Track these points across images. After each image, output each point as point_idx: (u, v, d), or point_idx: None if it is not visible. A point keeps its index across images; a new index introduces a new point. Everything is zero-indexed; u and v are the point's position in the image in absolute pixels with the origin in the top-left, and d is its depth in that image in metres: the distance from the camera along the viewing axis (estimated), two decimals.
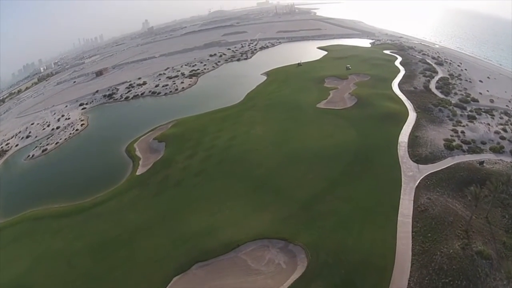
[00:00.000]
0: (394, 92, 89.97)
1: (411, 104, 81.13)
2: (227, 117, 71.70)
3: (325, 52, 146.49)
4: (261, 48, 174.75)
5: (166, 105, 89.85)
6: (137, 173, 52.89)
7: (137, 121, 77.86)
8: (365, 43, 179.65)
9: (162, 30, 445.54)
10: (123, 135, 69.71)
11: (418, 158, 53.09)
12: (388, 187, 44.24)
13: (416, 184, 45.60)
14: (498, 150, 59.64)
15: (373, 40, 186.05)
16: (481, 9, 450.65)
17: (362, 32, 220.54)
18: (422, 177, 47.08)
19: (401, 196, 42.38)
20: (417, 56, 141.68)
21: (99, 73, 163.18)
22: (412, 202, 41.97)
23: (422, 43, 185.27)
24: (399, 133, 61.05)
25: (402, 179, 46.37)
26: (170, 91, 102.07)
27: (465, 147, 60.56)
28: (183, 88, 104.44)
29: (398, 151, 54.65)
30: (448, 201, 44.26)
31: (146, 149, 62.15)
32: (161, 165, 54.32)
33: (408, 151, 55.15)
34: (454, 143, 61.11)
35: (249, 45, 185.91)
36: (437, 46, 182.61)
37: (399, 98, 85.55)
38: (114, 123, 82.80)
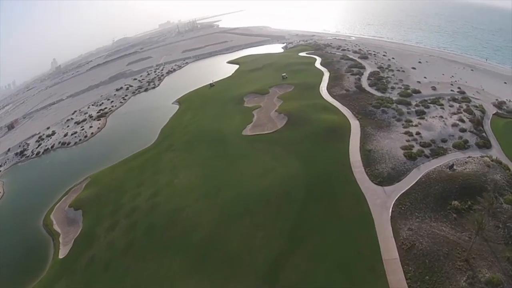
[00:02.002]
0: (326, 100, 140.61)
1: (349, 111, 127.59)
2: (144, 165, 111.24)
3: (237, 66, 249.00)
4: (168, 73, 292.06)
5: (77, 158, 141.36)
6: (60, 256, 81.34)
7: (51, 183, 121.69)
8: (277, 48, 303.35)
9: (69, 68, 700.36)
10: (39, 203, 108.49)
11: (381, 178, 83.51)
12: (359, 226, 68.10)
13: (390, 214, 70.95)
14: (463, 146, 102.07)
15: (285, 44, 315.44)
16: None
17: (271, 37, 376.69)
18: (393, 203, 74.19)
19: (378, 236, 65.14)
20: (337, 53, 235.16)
21: (10, 126, 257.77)
22: (393, 239, 64.55)
23: (337, 37, 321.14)
24: (348, 151, 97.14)
25: (371, 211, 72.06)
26: (80, 139, 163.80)
27: (427, 151, 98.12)
28: (92, 133, 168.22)
29: (355, 174, 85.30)
30: (433, 227, 67.51)
31: (63, 220, 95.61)
32: (83, 242, 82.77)
33: (367, 172, 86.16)
34: (414, 150, 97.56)
35: (155, 71, 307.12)
36: (353, 38, 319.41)
37: (334, 106, 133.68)
38: (29, 187, 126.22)
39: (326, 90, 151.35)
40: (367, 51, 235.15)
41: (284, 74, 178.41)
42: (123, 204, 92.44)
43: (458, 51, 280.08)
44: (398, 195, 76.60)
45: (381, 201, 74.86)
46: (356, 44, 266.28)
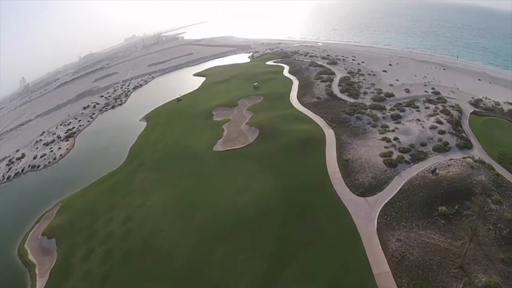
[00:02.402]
0: (297, 110, 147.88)
1: (322, 119, 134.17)
2: (115, 187, 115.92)
3: (203, 78, 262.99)
4: (135, 88, 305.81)
5: (48, 182, 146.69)
6: None
7: (23, 209, 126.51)
8: (243, 58, 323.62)
9: (37, 86, 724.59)
10: (12, 231, 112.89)
11: (362, 189, 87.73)
12: (345, 241, 71.17)
13: (376, 226, 74.58)
14: (443, 148, 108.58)
15: (251, 53, 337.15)
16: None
17: (237, 47, 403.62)
18: (377, 214, 78.12)
19: (366, 250, 68.21)
20: (305, 60, 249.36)
21: None
22: (382, 252, 67.76)
23: (304, 44, 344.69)
24: (325, 162, 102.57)
25: (356, 224, 75.60)
26: (49, 162, 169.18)
27: (407, 157, 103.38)
28: (61, 155, 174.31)
29: (335, 186, 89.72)
30: (422, 236, 71.19)
31: (38, 250, 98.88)
32: (58, 274, 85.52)
33: (347, 184, 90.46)
34: (393, 157, 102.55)
35: (121, 87, 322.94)
36: (320, 44, 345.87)
37: (306, 115, 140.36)
38: (1, 214, 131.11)
39: (296, 99, 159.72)
40: (335, 56, 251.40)
41: (256, 83, 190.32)
42: (97, 231, 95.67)
43: (428, 51, 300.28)
44: (382, 205, 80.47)
45: (364, 213, 78.45)
46: (324, 50, 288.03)
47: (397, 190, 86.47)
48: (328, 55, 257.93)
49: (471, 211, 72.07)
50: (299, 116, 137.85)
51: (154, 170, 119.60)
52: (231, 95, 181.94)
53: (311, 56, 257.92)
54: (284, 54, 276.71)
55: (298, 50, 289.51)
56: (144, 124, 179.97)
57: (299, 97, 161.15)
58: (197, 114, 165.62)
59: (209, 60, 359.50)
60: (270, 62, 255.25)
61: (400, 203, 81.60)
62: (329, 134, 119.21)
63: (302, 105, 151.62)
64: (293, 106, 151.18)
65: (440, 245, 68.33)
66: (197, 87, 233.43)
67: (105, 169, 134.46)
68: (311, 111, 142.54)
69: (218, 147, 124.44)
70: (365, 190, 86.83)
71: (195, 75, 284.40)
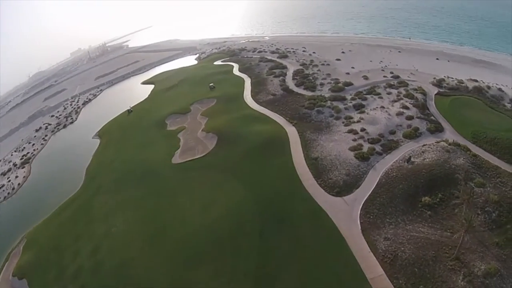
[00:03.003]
0: (253, 109, 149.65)
1: (281, 117, 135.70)
2: (76, 215, 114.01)
3: (152, 86, 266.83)
4: (84, 103, 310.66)
5: (10, 215, 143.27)
6: None
7: None
8: (190, 60, 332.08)
9: None
10: None
11: (338, 188, 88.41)
12: (330, 247, 72.04)
13: (360, 227, 75.48)
14: (414, 134, 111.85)
15: (197, 54, 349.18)
16: None
17: (183, 50, 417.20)
18: (359, 213, 79.15)
19: (355, 254, 68.90)
20: (254, 56, 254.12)
21: None
22: (372, 254, 68.54)
23: (250, 40, 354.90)
24: (293, 163, 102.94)
25: (338, 227, 76.19)
26: (8, 193, 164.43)
27: (378, 147, 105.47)
28: (19, 184, 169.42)
29: (308, 189, 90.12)
30: (410, 230, 72.69)
31: None
32: None
33: (320, 184, 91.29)
34: (364, 149, 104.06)
35: (71, 104, 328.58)
36: (267, 38, 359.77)
37: (264, 114, 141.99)
38: None
39: (251, 98, 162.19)
40: (285, 49, 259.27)
41: (211, 84, 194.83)
42: (66, 266, 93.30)
43: (379, 35, 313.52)
44: (362, 203, 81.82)
45: (345, 214, 79.30)
46: (272, 44, 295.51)
47: (374, 185, 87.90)
48: (277, 48, 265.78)
49: (460, 199, 74.37)
50: (257, 116, 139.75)
51: (114, 192, 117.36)
52: (182, 101, 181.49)
53: (259, 52, 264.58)
54: (232, 52, 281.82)
55: (246, 47, 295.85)
56: (98, 141, 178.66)
57: (254, 96, 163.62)
58: (150, 125, 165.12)
59: (156, 66, 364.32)
60: (218, 62, 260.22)
61: (380, 198, 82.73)
62: (292, 132, 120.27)
63: (258, 104, 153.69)
64: (249, 106, 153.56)
65: (431, 238, 70.06)
66: (147, 96, 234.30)
67: (64, 195, 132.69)
68: (268, 109, 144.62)
69: (177, 158, 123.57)
70: (341, 189, 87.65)
71: (144, 83, 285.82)
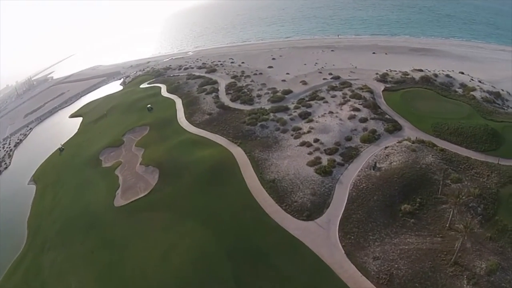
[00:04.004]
0: (191, 133, 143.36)
1: (223, 138, 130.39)
2: (27, 279, 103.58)
3: (80, 118, 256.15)
4: (16, 145, 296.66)
5: None
6: None
7: None
8: (116, 86, 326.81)
9: None
10: None
11: (307, 212, 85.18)
12: (318, 279, 68.92)
13: (343, 251, 73.37)
14: (372, 137, 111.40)
15: (122, 79, 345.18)
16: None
17: (107, 76, 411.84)
18: (338, 236, 77.22)
19: (346, 281, 66.74)
20: (181, 74, 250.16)
21: None
22: (365, 278, 67.02)
23: (174, 57, 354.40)
24: (248, 190, 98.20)
25: (319, 255, 73.40)
26: None
27: (337, 158, 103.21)
28: None
29: (272, 217, 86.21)
30: (398, 244, 71.14)
31: None
32: None
33: (285, 210, 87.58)
34: (323, 162, 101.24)
35: (3, 147, 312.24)
36: (191, 53, 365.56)
37: (204, 137, 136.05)
38: None
39: (186, 121, 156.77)
40: (212, 63, 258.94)
41: (149, 105, 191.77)
42: None
43: (306, 36, 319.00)
44: (338, 224, 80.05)
45: (322, 239, 76.76)
46: (197, 59, 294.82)
47: (345, 201, 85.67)
48: (203, 63, 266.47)
49: (449, 204, 74.52)
50: (197, 140, 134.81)
51: (60, 247, 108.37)
52: (114, 132, 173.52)
53: (186, 69, 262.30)
54: (157, 72, 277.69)
55: (170, 65, 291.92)
56: (34, 187, 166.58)
57: (188, 118, 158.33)
58: (85, 163, 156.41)
59: (81, 96, 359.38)
60: (144, 85, 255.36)
61: (356, 215, 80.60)
62: (238, 154, 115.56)
63: (194, 126, 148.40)
64: (186, 130, 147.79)
65: (422, 248, 69.65)
66: (77, 130, 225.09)
67: (11, 254, 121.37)
68: (207, 130, 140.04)
69: (119, 200, 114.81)
70: (310, 211, 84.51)
71: (71, 116, 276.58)
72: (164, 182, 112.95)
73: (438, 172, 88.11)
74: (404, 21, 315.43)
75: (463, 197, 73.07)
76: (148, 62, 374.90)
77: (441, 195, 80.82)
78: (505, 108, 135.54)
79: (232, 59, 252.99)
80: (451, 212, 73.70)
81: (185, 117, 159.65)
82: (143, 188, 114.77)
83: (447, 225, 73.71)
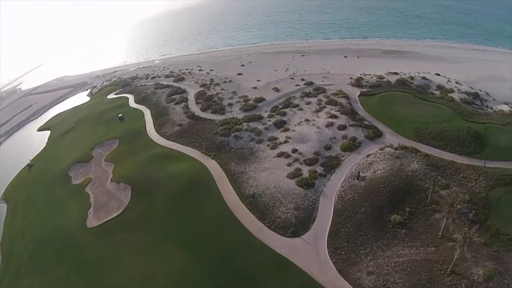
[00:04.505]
0: (162, 146, 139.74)
1: (196, 150, 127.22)
2: None
3: (48, 132, 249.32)
4: None
5: None
6: None
7: None
8: (83, 97, 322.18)
9: None
10: None
11: (292, 228, 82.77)
12: None
13: (334, 268, 72.17)
14: (353, 145, 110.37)
15: (89, 90, 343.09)
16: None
17: (74, 87, 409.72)
18: (327, 252, 75.74)
19: None
20: (148, 83, 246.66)
21: None
22: None
23: (140, 66, 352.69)
24: (227, 206, 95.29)
25: (310, 273, 71.83)
26: None
27: (318, 168, 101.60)
28: None
29: (256, 234, 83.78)
30: (391, 257, 70.55)
31: None
32: None
33: (269, 226, 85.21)
34: (304, 174, 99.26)
35: None
36: (157, 62, 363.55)
37: (175, 150, 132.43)
38: None
39: (156, 133, 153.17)
40: (179, 71, 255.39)
41: (120, 115, 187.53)
42: None
43: (275, 41, 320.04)
44: (326, 240, 78.85)
45: (311, 256, 75.29)
46: (164, 67, 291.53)
47: (331, 214, 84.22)
48: (171, 71, 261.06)
49: (443, 213, 74.17)
50: (168, 153, 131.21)
51: (35, 272, 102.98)
52: (82, 146, 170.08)
53: (153, 78, 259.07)
54: (124, 82, 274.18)
55: (137, 74, 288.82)
56: (5, 206, 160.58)
57: (158, 129, 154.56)
58: (54, 180, 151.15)
59: (49, 108, 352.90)
60: (112, 95, 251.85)
61: (345, 229, 79.40)
62: (213, 167, 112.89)
63: (165, 138, 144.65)
64: (156, 143, 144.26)
65: (417, 259, 69.78)
66: (45, 145, 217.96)
67: None
68: (179, 143, 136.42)
69: (92, 220, 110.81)
70: (296, 227, 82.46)
71: (39, 130, 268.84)
72: (137, 200, 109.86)
73: (426, 179, 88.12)
74: (374, 23, 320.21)
75: (457, 205, 72.81)
76: (115, 71, 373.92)
77: (431, 204, 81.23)
78: (484, 108, 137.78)
79: (200, 67, 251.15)
80: (444, 220, 73.62)
81: (155, 129, 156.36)
82: (116, 207, 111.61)
83: (439, 233, 74.30)
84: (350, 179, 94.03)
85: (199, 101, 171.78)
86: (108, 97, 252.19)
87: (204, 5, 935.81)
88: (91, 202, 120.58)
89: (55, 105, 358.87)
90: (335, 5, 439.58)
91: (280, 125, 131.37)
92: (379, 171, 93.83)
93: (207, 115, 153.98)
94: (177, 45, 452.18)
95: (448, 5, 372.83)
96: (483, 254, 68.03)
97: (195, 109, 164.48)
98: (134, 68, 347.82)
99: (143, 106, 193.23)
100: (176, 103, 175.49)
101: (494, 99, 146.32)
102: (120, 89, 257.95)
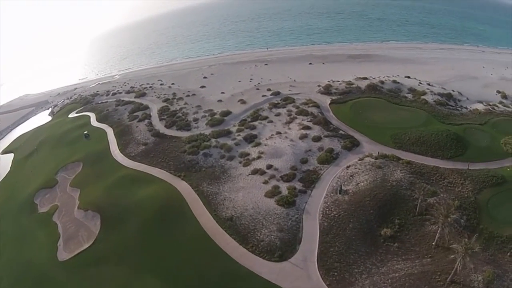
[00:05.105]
0: (129, 168, 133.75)
1: (164, 171, 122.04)
2: None
3: (12, 155, 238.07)
4: None
5: None
6: None
7: None
8: (45, 117, 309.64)
9: None
10: None
11: (278, 252, 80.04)
12: None
13: None
14: (330, 157, 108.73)
15: (50, 109, 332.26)
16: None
17: (36, 106, 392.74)
18: (319, 274, 73.79)
19: None
20: (109, 100, 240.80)
21: None
22: None
23: (101, 82, 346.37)
24: (204, 231, 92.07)
25: None
26: None
27: (297, 184, 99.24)
28: None
29: (240, 261, 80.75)
30: (387, 273, 69.60)
31: None
32: None
33: (253, 251, 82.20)
34: (283, 191, 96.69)
35: None
36: (117, 76, 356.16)
37: (143, 172, 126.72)
38: None
39: (120, 153, 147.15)
40: (140, 86, 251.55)
41: (86, 132, 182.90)
42: None
43: (235, 51, 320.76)
44: (316, 261, 76.62)
45: (303, 280, 73.34)
46: (125, 82, 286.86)
47: (318, 233, 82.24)
48: (131, 87, 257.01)
49: (438, 224, 73.73)
50: (136, 176, 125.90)
51: None
52: (46, 170, 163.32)
53: (114, 94, 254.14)
54: (85, 99, 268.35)
55: (98, 91, 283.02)
56: None
57: (123, 150, 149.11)
58: (20, 208, 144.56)
59: (12, 129, 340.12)
60: (73, 114, 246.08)
61: (334, 248, 77.57)
62: (184, 189, 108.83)
63: (130, 159, 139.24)
64: (122, 165, 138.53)
65: (414, 272, 69.52)
66: (9, 169, 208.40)
67: None
68: (145, 164, 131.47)
69: (63, 253, 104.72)
70: (282, 250, 79.76)
71: (3, 152, 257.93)
72: (107, 230, 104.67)
73: (412, 188, 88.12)
74: (335, 28, 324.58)
75: (452, 215, 73.05)
76: (75, 88, 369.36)
77: (421, 213, 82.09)
78: (459, 108, 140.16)
79: (161, 81, 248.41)
80: (439, 230, 73.68)
81: (119, 149, 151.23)
82: (86, 237, 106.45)
83: (433, 243, 74.57)
84: (332, 194, 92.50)
85: (163, 117, 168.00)
86: (70, 116, 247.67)
87: (162, 18, 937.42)
88: (59, 232, 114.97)
89: (18, 125, 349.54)
90: (293, 11, 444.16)
91: (251, 139, 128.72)
92: (362, 183, 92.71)
93: (173, 132, 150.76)
94: (136, 59, 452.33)
95: (409, 6, 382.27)
96: (479, 259, 68.59)
97: (159, 126, 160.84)
98: (94, 85, 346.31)
99: (105, 125, 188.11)
100: (139, 120, 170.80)
101: (467, 99, 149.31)
102: (81, 107, 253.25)
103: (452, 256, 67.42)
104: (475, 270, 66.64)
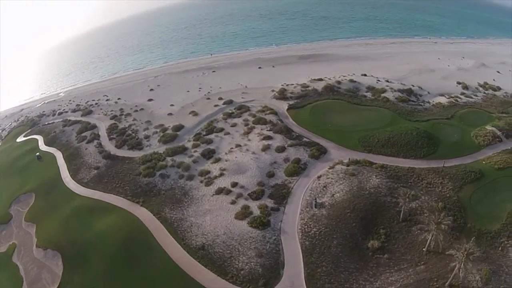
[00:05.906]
0: (83, 196, 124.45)
1: (121, 198, 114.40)
2: None
3: None
4: None
5: None
6: None
7: None
8: None
9: None
10: None
11: (262, 279, 76.12)
12: None
13: None
14: (298, 168, 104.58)
15: None
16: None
17: None
18: None
19: None
20: (56, 120, 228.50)
21: None
22: None
23: (46, 101, 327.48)
24: (174, 263, 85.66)
25: None
26: None
27: (268, 202, 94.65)
28: None
29: None
30: (382, 287, 67.74)
31: None
32: None
33: (234, 282, 76.96)
34: (254, 211, 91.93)
35: None
36: (62, 94, 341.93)
37: (99, 200, 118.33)
38: None
39: (72, 180, 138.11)
40: (86, 103, 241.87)
41: (38, 154, 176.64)
42: None
43: (180, 60, 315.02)
44: (305, 285, 73.33)
45: None
46: (70, 100, 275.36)
47: (301, 255, 78.53)
48: (77, 105, 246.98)
49: (434, 229, 72.65)
50: (92, 205, 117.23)
51: None
52: None
53: (60, 113, 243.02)
54: (32, 121, 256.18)
55: (44, 111, 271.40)
56: None
57: (74, 176, 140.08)
58: None
59: None
60: (21, 138, 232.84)
61: (321, 268, 74.50)
62: (146, 217, 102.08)
63: (83, 186, 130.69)
64: (76, 193, 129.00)
65: (410, 282, 69.13)
66: None
67: None
68: (100, 190, 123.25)
69: None
70: (265, 278, 75.74)
71: None
72: (71, 270, 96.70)
73: (392, 194, 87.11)
74: (280, 29, 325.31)
75: (445, 221, 72.60)
76: (22, 110, 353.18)
77: (405, 220, 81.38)
78: (422, 104, 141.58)
79: (107, 96, 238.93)
80: (430, 237, 73.13)
81: (71, 176, 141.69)
82: (50, 280, 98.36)
83: (424, 249, 73.97)
84: (307, 209, 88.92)
85: (112, 136, 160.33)
86: (18, 140, 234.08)
87: (101, 30, 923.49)
88: (22, 275, 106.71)
89: None
90: (235, 15, 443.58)
91: (209, 155, 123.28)
92: (337, 194, 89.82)
93: (124, 153, 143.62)
94: (80, 75, 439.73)
95: (352, 2, 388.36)
96: (475, 259, 67.46)
97: (109, 146, 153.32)
98: (40, 104, 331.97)
99: (54, 148, 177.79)
100: (88, 142, 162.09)
101: (428, 93, 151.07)
102: (29, 130, 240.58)
103: (453, 263, 66.42)
104: (471, 269, 66.90)
